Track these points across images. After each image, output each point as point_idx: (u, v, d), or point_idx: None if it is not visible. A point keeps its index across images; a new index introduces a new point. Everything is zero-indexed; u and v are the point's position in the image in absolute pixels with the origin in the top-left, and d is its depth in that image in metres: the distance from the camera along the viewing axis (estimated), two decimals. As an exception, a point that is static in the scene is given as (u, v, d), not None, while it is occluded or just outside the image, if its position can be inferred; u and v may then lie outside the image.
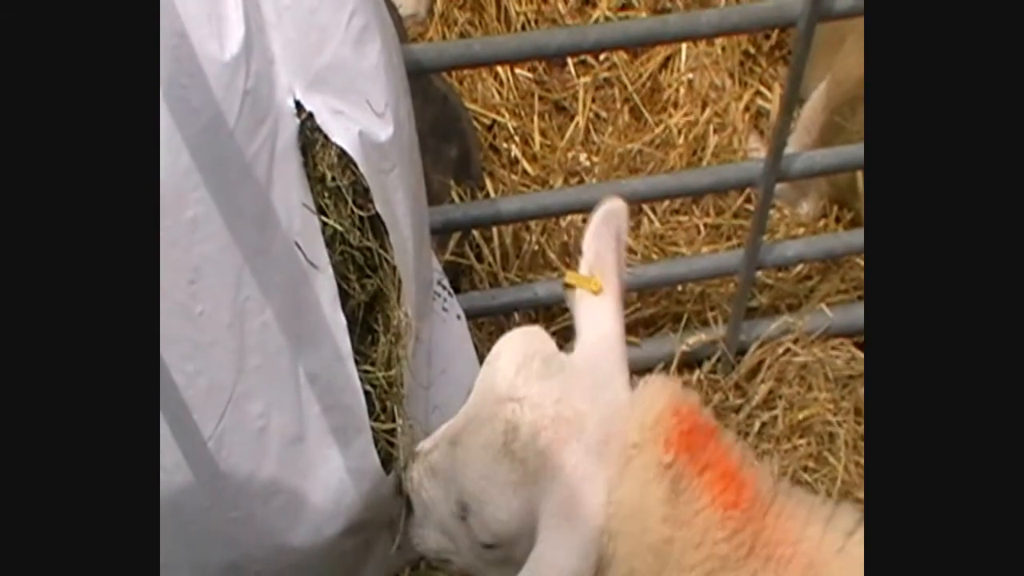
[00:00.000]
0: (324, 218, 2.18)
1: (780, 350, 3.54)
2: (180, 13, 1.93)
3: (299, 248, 2.14)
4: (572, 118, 4.15)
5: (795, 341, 3.55)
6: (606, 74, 4.25)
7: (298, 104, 2.13)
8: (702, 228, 3.88)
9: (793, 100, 3.14)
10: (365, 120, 2.19)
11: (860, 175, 3.73)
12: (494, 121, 4.08)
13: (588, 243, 2.21)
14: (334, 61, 2.16)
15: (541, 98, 4.18)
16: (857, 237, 3.61)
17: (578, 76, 4.24)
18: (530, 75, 4.19)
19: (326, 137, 2.15)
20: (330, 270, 2.19)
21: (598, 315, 2.18)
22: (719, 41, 4.26)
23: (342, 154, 2.16)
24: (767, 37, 4.35)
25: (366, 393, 2.27)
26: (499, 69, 4.14)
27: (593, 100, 4.20)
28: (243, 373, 2.12)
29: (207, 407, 2.08)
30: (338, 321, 2.21)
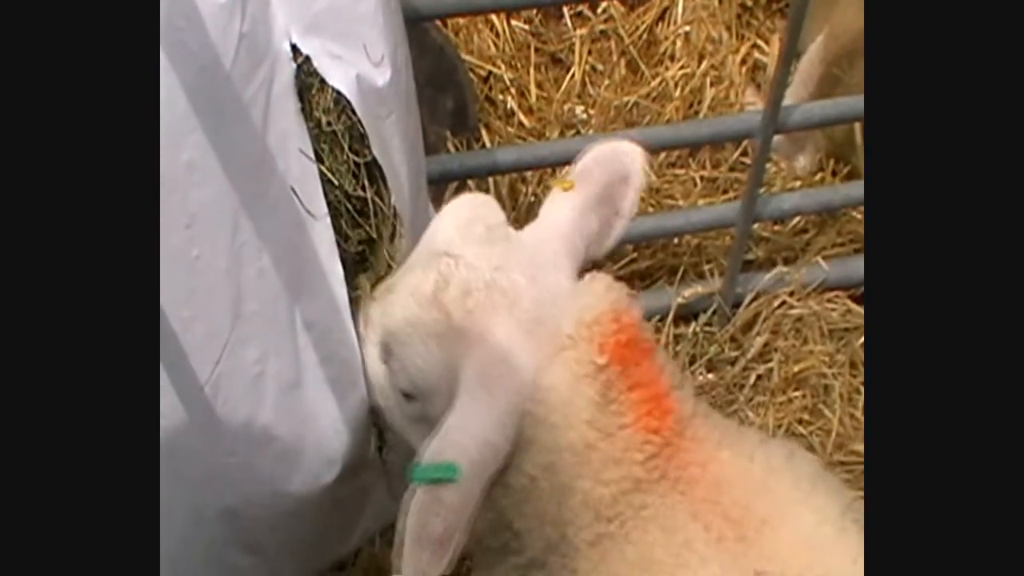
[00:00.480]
0: (321, 165, 2.17)
1: (776, 303, 3.53)
2: None
3: (296, 195, 2.13)
4: (568, 70, 4.13)
5: (791, 294, 3.55)
6: (603, 26, 4.22)
7: (294, 47, 2.11)
8: (698, 181, 3.86)
9: (792, 51, 3.11)
10: (362, 65, 2.18)
11: (858, 128, 3.72)
12: (490, 73, 4.06)
13: (585, 160, 2.19)
14: (331, 4, 2.15)
15: (537, 50, 4.16)
16: (854, 190, 3.60)
17: (574, 28, 4.21)
18: (526, 27, 4.17)
19: (323, 81, 2.14)
20: (327, 218, 2.18)
21: (559, 206, 2.16)
22: (719, -11, 4.24)
23: (338, 98, 2.15)
24: (765, -10, 4.33)
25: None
26: (495, 21, 4.12)
27: (589, 52, 4.18)
28: (240, 319, 2.11)
29: (204, 352, 2.08)
30: (335, 271, 2.21)
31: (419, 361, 1.99)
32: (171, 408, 2.06)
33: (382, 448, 2.33)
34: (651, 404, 1.97)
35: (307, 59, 2.12)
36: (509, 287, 2.00)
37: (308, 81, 2.13)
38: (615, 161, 2.17)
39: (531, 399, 1.95)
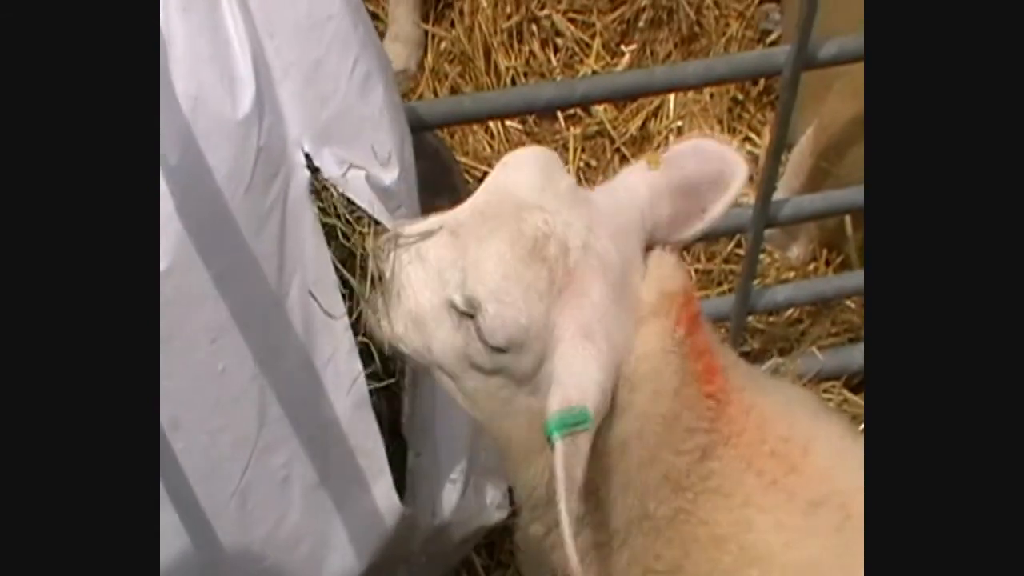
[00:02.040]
0: (339, 266, 2.20)
1: (773, 394, 3.55)
2: (194, 76, 1.98)
3: (314, 298, 2.16)
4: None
5: (787, 384, 3.56)
6: (596, 127, 4.30)
7: (307, 156, 2.16)
8: (693, 274, 3.92)
9: (780, 147, 3.17)
10: (371, 166, 2.23)
11: (848, 219, 3.77)
12: (485, 173, 4.08)
13: (684, 147, 2.12)
14: (340, 110, 2.20)
15: (532, 149, 4.21)
16: (847, 280, 3.64)
17: (568, 127, 4.28)
18: (520, 127, 4.25)
19: (334, 186, 2.18)
20: (346, 319, 2.21)
21: (636, 179, 2.09)
22: (707, 88, 4.28)
23: (350, 201, 2.19)
24: (755, 83, 4.39)
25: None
26: (490, 122, 4.18)
27: (583, 149, 4.25)
28: (265, 425, 2.15)
29: (231, 462, 2.11)
30: (355, 369, 2.24)
31: (521, 318, 1.92)
32: (199, 523, 2.09)
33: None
34: (710, 372, 2.00)
35: (318, 168, 2.17)
36: (603, 252, 1.97)
37: (321, 185, 2.17)
38: (716, 161, 2.09)
39: (627, 364, 1.95)
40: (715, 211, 2.08)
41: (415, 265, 2.04)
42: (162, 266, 1.95)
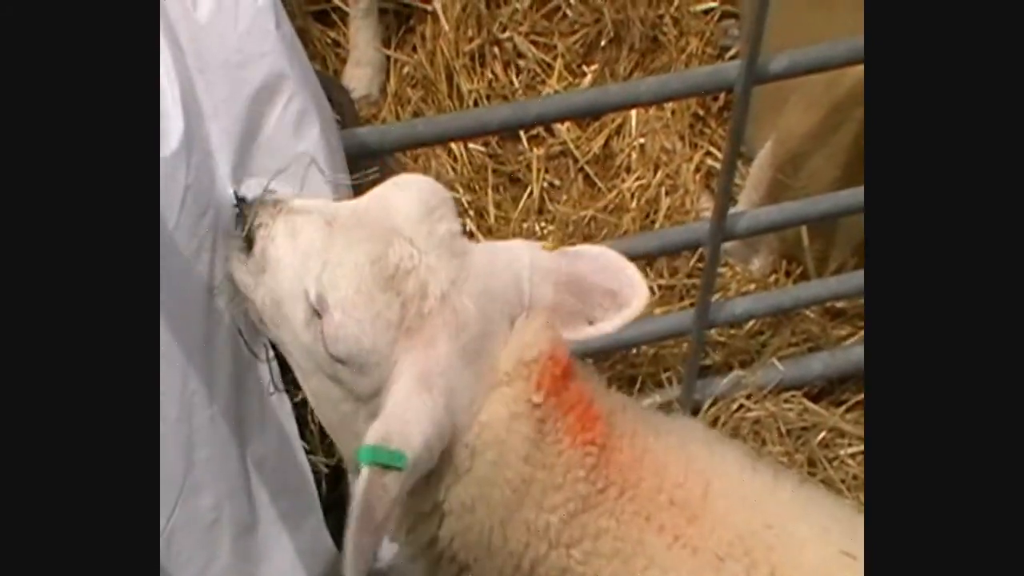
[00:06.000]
0: None
1: (734, 406, 3.60)
2: None
3: (241, 337, 2.17)
4: (526, 188, 4.20)
5: (748, 396, 3.62)
6: (559, 147, 4.32)
7: (235, 194, 2.13)
8: (656, 289, 3.94)
9: (734, 162, 3.20)
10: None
11: (804, 230, 3.81)
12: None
13: (586, 250, 2.10)
14: (271, 148, 2.20)
15: (495, 171, 4.23)
16: (804, 290, 3.70)
17: (531, 148, 4.30)
18: (483, 149, 4.25)
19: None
20: (275, 361, 2.21)
21: (521, 246, 2.07)
22: (669, 105, 4.32)
23: None
24: (715, 99, 4.42)
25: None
26: (452, 145, 4.19)
27: (546, 170, 4.26)
28: (192, 467, 2.13)
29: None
30: (283, 406, 2.24)
31: (364, 338, 1.90)
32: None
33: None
34: (584, 420, 1.96)
35: (247, 203, 2.11)
36: (460, 310, 1.94)
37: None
38: (615, 278, 2.04)
39: (470, 429, 1.94)
40: (605, 327, 2.04)
41: (286, 240, 2.00)
42: None
